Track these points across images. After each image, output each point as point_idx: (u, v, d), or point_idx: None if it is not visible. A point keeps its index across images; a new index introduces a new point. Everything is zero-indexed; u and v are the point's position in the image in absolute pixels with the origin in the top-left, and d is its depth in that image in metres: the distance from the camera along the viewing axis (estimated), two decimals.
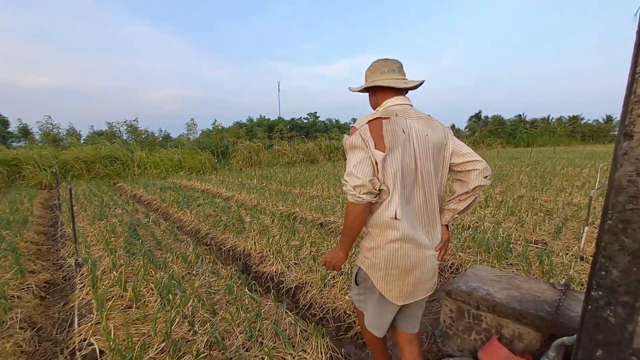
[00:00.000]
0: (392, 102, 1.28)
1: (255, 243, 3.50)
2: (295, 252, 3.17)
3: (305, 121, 39.55)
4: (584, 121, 43.26)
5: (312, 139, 24.49)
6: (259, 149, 16.21)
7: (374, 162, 1.15)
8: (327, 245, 3.24)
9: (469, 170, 1.29)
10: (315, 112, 39.57)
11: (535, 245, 3.43)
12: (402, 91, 1.32)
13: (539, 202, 5.26)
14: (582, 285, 2.43)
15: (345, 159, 1.24)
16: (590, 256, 3.20)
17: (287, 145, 18.28)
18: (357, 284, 1.36)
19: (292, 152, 16.50)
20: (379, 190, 1.17)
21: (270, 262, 3.07)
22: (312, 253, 3.06)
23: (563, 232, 3.76)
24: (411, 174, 1.21)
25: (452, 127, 59.75)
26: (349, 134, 1.23)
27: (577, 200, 5.38)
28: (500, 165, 11.40)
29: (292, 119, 39.85)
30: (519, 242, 3.43)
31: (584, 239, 3.26)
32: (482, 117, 51.79)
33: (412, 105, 1.31)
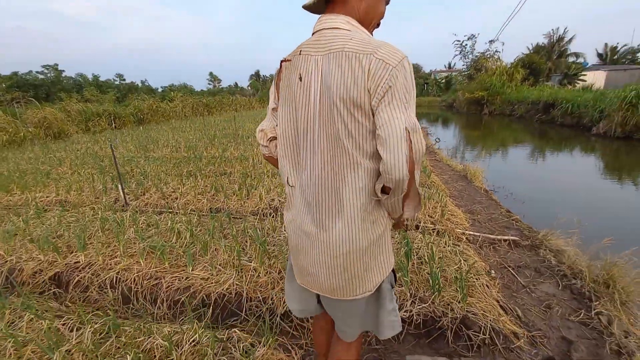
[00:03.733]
0: (314, 29, 0.87)
1: None
2: None
3: (40, 77, 27.74)
4: None
5: (55, 102, 16.94)
6: None
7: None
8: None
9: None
10: (56, 65, 28.34)
11: None
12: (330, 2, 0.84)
13: None
14: None
15: None
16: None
17: (5, 113, 11.36)
18: None
19: (14, 125, 10.30)
20: (270, 144, 1.00)
21: None
22: None
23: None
24: (307, 134, 0.84)
25: (236, 85, 57.11)
26: None
27: None
28: None
29: (15, 74, 26.98)
30: None
31: None
32: (262, 75, 54.62)
33: (337, 28, 0.80)
